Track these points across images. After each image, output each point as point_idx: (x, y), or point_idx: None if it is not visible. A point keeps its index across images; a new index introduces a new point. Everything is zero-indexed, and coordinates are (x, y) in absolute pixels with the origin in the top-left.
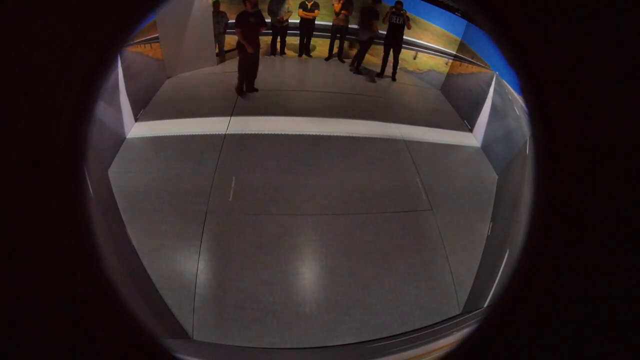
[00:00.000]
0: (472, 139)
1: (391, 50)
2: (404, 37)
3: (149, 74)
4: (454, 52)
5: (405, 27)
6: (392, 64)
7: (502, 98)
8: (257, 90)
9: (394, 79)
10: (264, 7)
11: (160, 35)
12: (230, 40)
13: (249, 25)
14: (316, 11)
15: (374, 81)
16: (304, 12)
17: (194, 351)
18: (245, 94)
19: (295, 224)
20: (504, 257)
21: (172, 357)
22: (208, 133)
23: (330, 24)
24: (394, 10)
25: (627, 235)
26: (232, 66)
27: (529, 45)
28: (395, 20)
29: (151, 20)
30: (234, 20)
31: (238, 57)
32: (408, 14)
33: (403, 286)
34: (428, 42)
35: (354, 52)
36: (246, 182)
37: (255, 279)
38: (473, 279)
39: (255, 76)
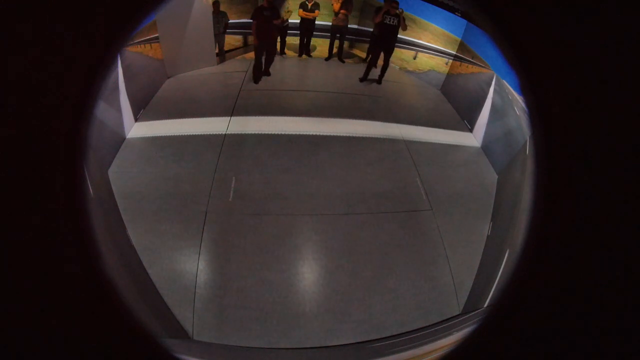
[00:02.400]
0: (472, 139)
1: (381, 52)
2: (402, 37)
3: (149, 74)
4: (454, 52)
5: (400, 28)
6: (381, 66)
7: (502, 98)
8: (269, 74)
9: (379, 82)
10: None
11: (160, 35)
12: (231, 40)
13: (262, 18)
14: (316, 11)
15: (373, 81)
16: (304, 12)
17: (194, 351)
18: (260, 77)
19: (295, 224)
20: (504, 257)
21: (172, 357)
22: (208, 133)
23: (330, 24)
24: (388, 9)
25: (628, 234)
26: (232, 66)
27: (529, 45)
28: (389, 21)
29: (151, 20)
30: (234, 20)
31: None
32: (406, 13)
33: (403, 286)
34: (428, 42)
35: (355, 51)
36: (246, 182)
37: (255, 279)
38: (473, 279)
39: (271, 61)
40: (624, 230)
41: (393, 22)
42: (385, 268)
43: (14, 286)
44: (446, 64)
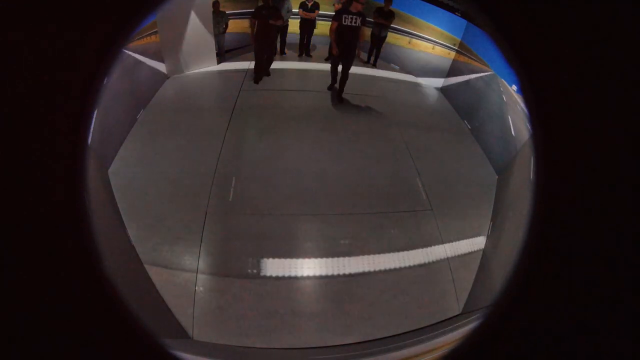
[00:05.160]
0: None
1: (339, 62)
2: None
3: (149, 74)
4: (455, 48)
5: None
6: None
7: (500, 97)
8: (269, 74)
9: (339, 99)
10: None
11: (160, 35)
12: (231, 40)
13: (261, 18)
14: (316, 11)
15: (371, 81)
16: (304, 12)
17: (193, 351)
18: (260, 77)
19: (295, 223)
20: (503, 257)
21: (172, 357)
22: (208, 132)
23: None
24: (346, 8)
25: (628, 234)
26: (232, 66)
27: (529, 45)
28: (350, 22)
29: (151, 20)
30: (234, 11)
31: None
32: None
33: (403, 286)
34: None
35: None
36: (246, 183)
37: (255, 278)
38: (473, 279)
39: (271, 61)
40: (624, 229)
41: (355, 22)
42: (385, 268)
43: (14, 286)
44: (432, 48)
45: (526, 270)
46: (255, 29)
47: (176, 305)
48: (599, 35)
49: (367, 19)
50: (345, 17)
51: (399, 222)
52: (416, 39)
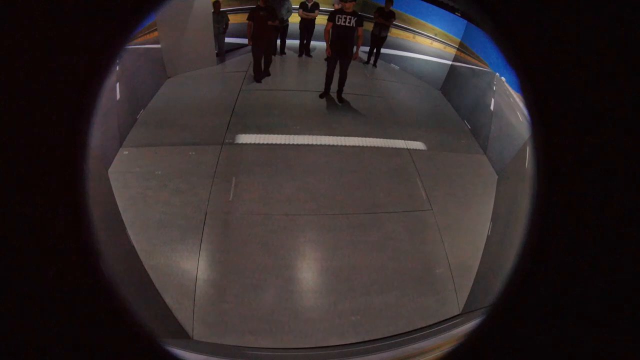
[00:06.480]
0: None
1: (337, 62)
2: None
3: (149, 74)
4: (436, 37)
5: (356, 32)
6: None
7: (500, 96)
8: (269, 74)
9: (339, 99)
10: None
11: (160, 35)
12: (230, 40)
13: (257, 18)
14: (316, 11)
15: (371, 81)
16: (304, 13)
17: (194, 351)
18: (260, 77)
19: (296, 224)
20: (504, 257)
21: (172, 357)
22: (207, 134)
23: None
24: (341, 7)
25: (627, 234)
26: (232, 66)
27: (529, 45)
28: (344, 22)
29: (151, 20)
30: (234, 7)
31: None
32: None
33: (403, 286)
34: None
35: None
36: (246, 182)
37: (256, 278)
38: (473, 279)
39: (270, 61)
40: (623, 229)
41: (349, 22)
42: (385, 268)
43: (14, 286)
44: (413, 37)
45: (526, 270)
46: (252, 30)
47: (176, 305)
48: (599, 34)
49: (363, 16)
50: (339, 17)
51: (399, 222)
52: (395, 28)
